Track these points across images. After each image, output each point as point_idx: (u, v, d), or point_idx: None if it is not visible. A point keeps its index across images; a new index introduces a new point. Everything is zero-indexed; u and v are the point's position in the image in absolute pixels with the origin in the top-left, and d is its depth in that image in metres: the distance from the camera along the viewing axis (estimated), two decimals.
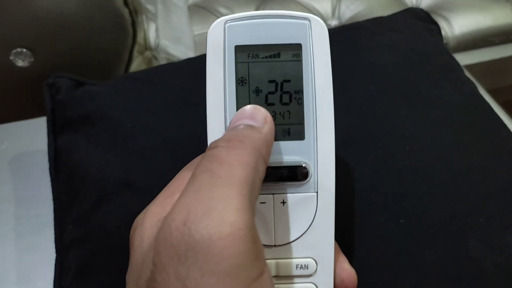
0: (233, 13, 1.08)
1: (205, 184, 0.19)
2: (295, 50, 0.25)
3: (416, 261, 0.30)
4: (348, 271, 0.25)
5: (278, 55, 0.25)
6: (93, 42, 0.68)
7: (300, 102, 0.25)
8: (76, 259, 0.35)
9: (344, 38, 0.47)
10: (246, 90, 0.25)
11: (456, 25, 1.00)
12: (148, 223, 0.21)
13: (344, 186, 0.33)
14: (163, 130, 0.38)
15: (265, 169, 0.22)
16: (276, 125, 0.24)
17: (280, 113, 0.25)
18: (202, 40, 0.97)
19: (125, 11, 0.71)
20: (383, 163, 0.34)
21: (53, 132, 0.45)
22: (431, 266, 0.30)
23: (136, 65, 0.89)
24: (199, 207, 0.18)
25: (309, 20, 0.25)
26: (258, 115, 0.23)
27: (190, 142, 0.37)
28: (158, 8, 0.90)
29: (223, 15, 1.01)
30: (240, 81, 0.25)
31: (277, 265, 0.25)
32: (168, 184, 0.24)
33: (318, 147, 0.25)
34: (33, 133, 0.56)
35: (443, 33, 0.99)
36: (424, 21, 0.55)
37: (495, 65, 1.03)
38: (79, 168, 0.39)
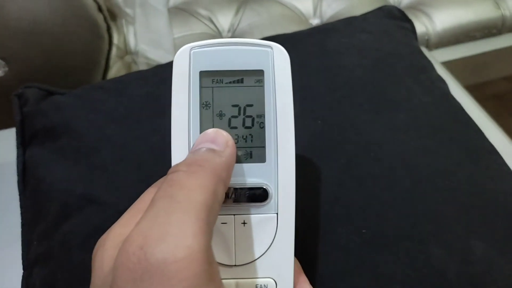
0: (213, 14, 1.07)
1: (164, 209, 0.20)
2: (258, 76, 0.26)
3: (377, 272, 0.30)
4: None
5: (242, 81, 0.26)
6: (68, 49, 0.67)
7: (262, 126, 0.26)
8: (39, 277, 0.34)
9: (313, 41, 0.47)
10: (210, 114, 0.26)
11: (438, 20, 1.00)
12: (110, 244, 0.21)
13: (306, 198, 0.32)
14: (127, 143, 0.38)
15: (224, 192, 0.22)
16: (238, 148, 0.25)
17: (242, 137, 0.26)
18: (182, 44, 0.95)
19: (99, 17, 0.70)
20: (347, 172, 0.33)
21: (22, 145, 0.44)
22: (392, 276, 0.29)
23: (116, 70, 0.88)
24: (155, 232, 0.19)
25: (271, 48, 0.26)
26: (219, 138, 0.24)
27: (154, 155, 0.37)
28: (136, 12, 0.90)
29: (203, 17, 1.00)
30: (204, 105, 0.26)
31: (237, 285, 0.25)
32: (133, 204, 0.24)
33: (279, 170, 0.25)
34: (6, 144, 0.56)
35: (423, 29, 0.99)
36: (397, 20, 0.55)
37: (477, 60, 1.03)
38: (43, 182, 0.38)
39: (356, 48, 0.46)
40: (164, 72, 0.47)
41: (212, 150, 0.23)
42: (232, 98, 0.26)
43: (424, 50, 0.88)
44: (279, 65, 0.26)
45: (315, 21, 1.02)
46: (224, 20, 0.98)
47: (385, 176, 0.33)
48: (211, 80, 0.26)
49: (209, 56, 0.26)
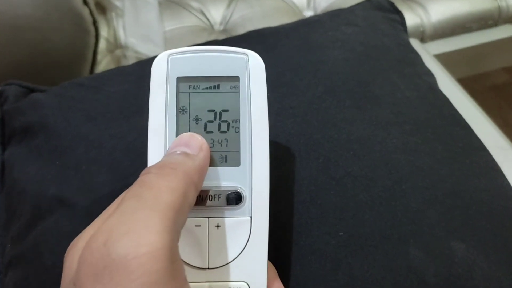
0: (205, 7, 1.05)
1: (130, 207, 0.20)
2: (233, 82, 0.27)
3: (353, 275, 0.29)
4: None
5: (218, 87, 0.27)
6: (52, 44, 0.66)
7: (237, 131, 0.26)
8: (12, 280, 0.33)
9: (296, 35, 0.46)
10: (186, 118, 0.26)
11: (433, 12, 0.98)
12: (81, 245, 0.21)
13: (281, 199, 0.31)
14: (103, 142, 0.37)
15: (195, 195, 0.23)
16: (214, 152, 0.26)
17: (218, 141, 0.26)
18: (173, 37, 0.94)
19: (85, 11, 0.68)
20: (324, 172, 0.32)
21: (2, 144, 0.43)
22: (369, 279, 0.29)
23: (105, 64, 0.87)
24: (119, 229, 0.19)
25: (247, 55, 0.27)
26: (194, 142, 0.24)
27: (130, 154, 0.36)
28: (126, 5, 0.88)
29: (195, 9, 0.99)
30: (181, 110, 0.26)
31: (210, 287, 0.25)
32: (108, 207, 0.25)
33: (253, 174, 0.26)
34: None
35: (418, 21, 0.98)
36: (385, 12, 0.53)
37: (473, 52, 1.01)
38: (18, 183, 0.37)
39: (340, 42, 0.44)
40: (143, 69, 0.46)
41: (186, 154, 0.24)
42: (208, 104, 0.26)
43: (416, 42, 0.87)
44: (254, 72, 0.26)
45: (308, 13, 1.00)
46: (216, 12, 0.97)
47: (364, 175, 0.32)
48: (188, 85, 0.27)
49: (186, 62, 0.27)
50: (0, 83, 0.48)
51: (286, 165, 0.33)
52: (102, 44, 0.85)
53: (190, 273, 0.25)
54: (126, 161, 0.35)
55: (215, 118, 0.26)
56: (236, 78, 0.26)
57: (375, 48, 0.45)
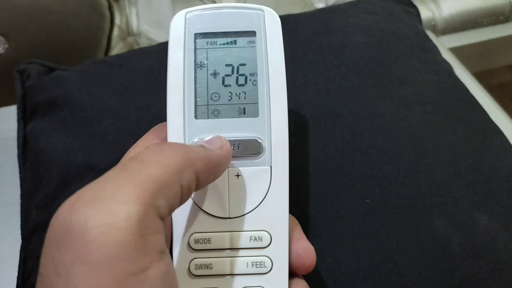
0: None
1: (109, 176, 0.19)
2: (250, 36, 0.27)
3: (380, 241, 0.29)
4: (305, 248, 0.25)
5: (235, 42, 0.27)
6: (68, 26, 0.66)
7: (255, 84, 0.26)
8: (39, 244, 0.34)
9: (317, 20, 0.46)
10: (205, 73, 0.27)
11: (445, 6, 0.99)
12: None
13: (308, 167, 0.32)
14: (128, 113, 0.38)
15: (194, 180, 0.21)
16: (232, 104, 0.26)
17: (236, 94, 0.26)
18: None
19: None
20: (349, 143, 0.33)
21: (23, 119, 0.44)
22: (395, 246, 0.29)
23: (118, 50, 0.87)
24: (88, 195, 0.18)
25: (263, 11, 0.27)
26: (216, 140, 0.24)
27: (152, 124, 0.36)
28: None
29: None
30: (199, 65, 0.27)
31: (231, 237, 0.25)
32: None
33: (272, 124, 0.26)
34: (7, 121, 0.55)
35: (430, 15, 0.98)
36: (402, 4, 0.54)
37: (483, 47, 1.02)
38: (43, 153, 0.38)
39: (361, 27, 0.45)
40: (166, 47, 0.46)
41: (201, 146, 0.23)
42: (226, 58, 0.27)
43: (430, 34, 0.87)
44: (270, 26, 0.27)
45: (320, 5, 1.01)
46: (228, 1, 0.97)
47: (389, 148, 0.33)
48: (206, 41, 0.27)
49: (203, 19, 0.27)
50: (16, 64, 0.48)
51: (311, 135, 0.33)
52: (114, 31, 0.86)
53: (210, 223, 0.25)
54: None
55: (232, 72, 0.27)
56: (252, 33, 0.27)
57: (395, 35, 0.45)
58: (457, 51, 0.96)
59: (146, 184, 0.18)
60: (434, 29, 0.98)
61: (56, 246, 0.17)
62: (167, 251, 0.19)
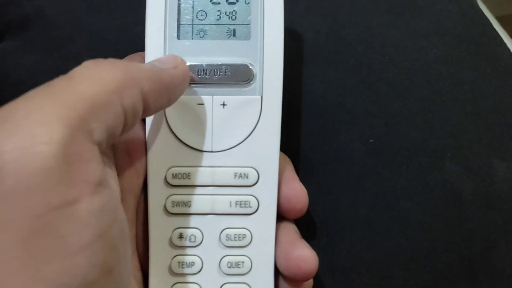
0: None
1: (30, 94, 0.16)
2: None
3: (384, 184, 0.26)
4: (297, 189, 0.22)
5: None
6: None
7: (247, 2, 0.24)
8: None
9: None
10: None
11: None
12: None
13: (305, 101, 0.28)
14: (106, 33, 0.33)
15: (140, 103, 0.18)
16: (220, 25, 0.24)
17: (225, 13, 0.24)
18: None
19: None
20: (355, 74, 0.29)
21: None
22: (400, 190, 0.26)
23: None
24: (1, 115, 0.15)
25: None
26: (169, 59, 0.21)
27: (132, 44, 0.32)
28: None
29: None
30: None
31: (213, 173, 0.23)
32: None
33: (265, 49, 0.23)
34: None
35: None
36: None
37: None
38: (12, 75, 0.34)
39: None
40: None
41: (150, 64, 0.20)
42: None
43: None
44: None
45: None
46: None
47: (400, 82, 0.29)
48: None
49: None
50: None
51: (311, 64, 0.29)
52: None
53: (191, 157, 0.23)
54: (129, 52, 0.32)
55: None
56: None
57: None
58: None
59: (75, 103, 0.15)
60: None
61: None
62: (112, 185, 0.17)
